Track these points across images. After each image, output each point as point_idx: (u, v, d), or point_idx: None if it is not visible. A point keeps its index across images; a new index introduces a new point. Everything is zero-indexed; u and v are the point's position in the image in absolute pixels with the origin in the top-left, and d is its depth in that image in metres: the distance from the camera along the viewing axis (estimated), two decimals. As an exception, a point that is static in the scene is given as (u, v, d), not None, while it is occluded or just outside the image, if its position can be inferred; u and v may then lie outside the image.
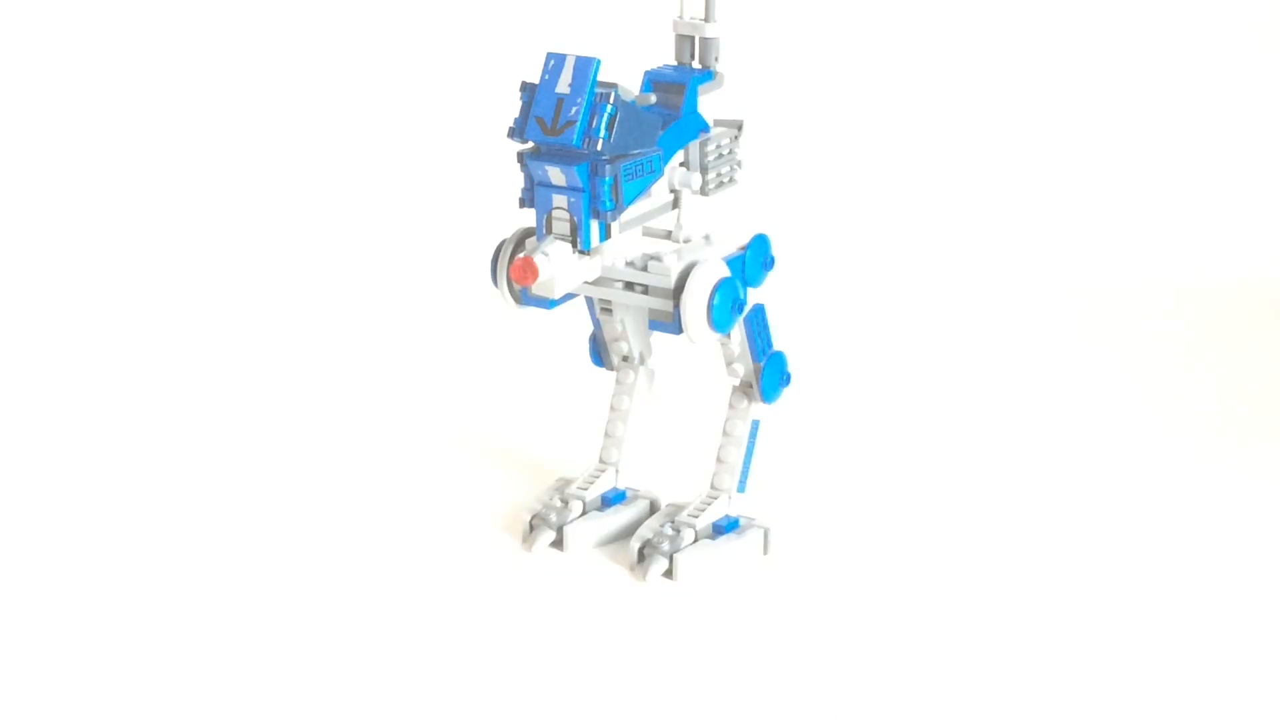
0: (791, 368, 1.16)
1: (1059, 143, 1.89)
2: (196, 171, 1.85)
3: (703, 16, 1.08)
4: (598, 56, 0.97)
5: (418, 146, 1.87)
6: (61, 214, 1.79)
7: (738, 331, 1.11)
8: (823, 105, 1.89)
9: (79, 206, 1.80)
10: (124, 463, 1.29)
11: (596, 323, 1.16)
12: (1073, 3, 1.90)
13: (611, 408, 1.19)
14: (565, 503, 1.17)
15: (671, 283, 1.05)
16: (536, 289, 1.02)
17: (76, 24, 1.86)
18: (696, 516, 1.14)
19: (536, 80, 0.98)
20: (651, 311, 1.08)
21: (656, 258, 1.06)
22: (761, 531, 1.15)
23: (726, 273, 1.06)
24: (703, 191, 1.09)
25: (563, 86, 0.97)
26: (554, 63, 0.98)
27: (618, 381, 1.19)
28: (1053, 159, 1.88)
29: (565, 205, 1.00)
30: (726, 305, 1.06)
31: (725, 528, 1.15)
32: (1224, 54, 1.89)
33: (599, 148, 0.97)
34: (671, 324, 1.06)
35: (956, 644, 1.04)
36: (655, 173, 1.03)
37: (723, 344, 1.12)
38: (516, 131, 0.99)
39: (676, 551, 1.12)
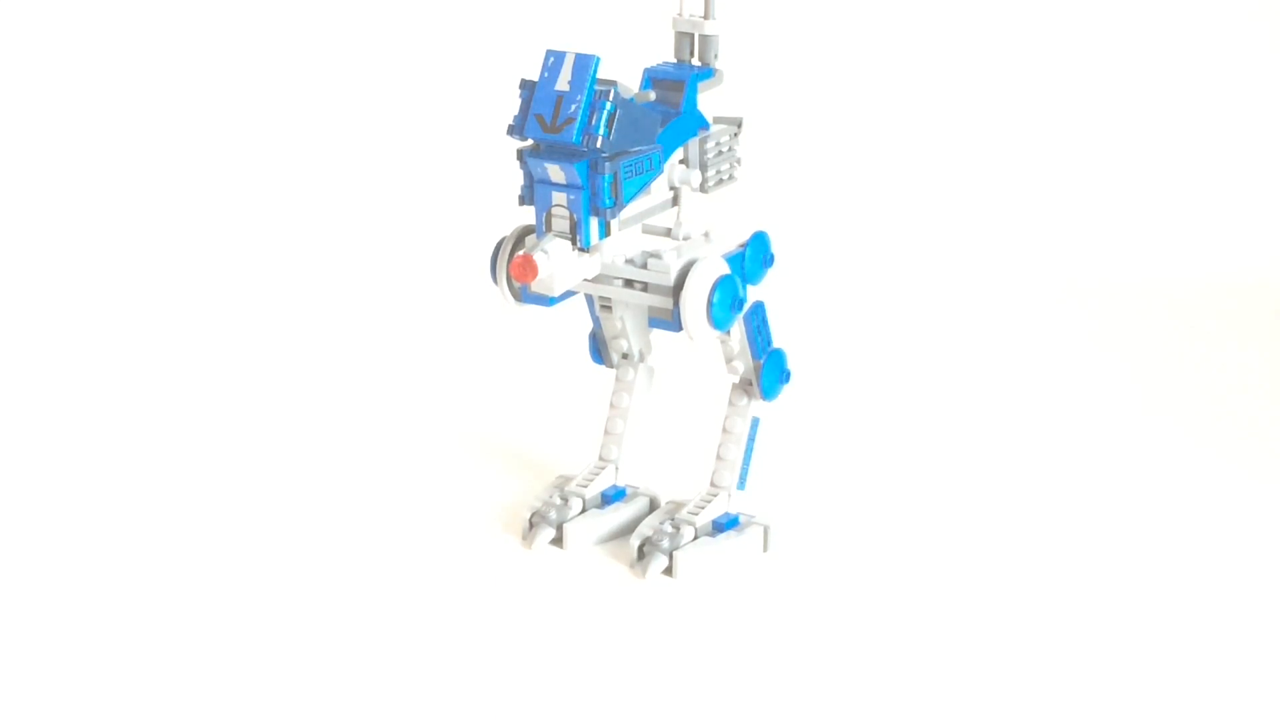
0: (791, 365, 1.16)
1: (1060, 140, 1.89)
2: (197, 172, 1.85)
3: (702, 14, 1.08)
4: (597, 54, 0.97)
5: (418, 145, 1.87)
6: (62, 215, 1.79)
7: (737, 329, 1.11)
8: (823, 103, 1.89)
9: (80, 207, 1.80)
10: (125, 462, 1.29)
11: (596, 320, 1.16)
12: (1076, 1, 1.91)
13: (611, 405, 1.19)
14: (565, 500, 1.17)
15: (671, 280, 1.05)
16: (536, 286, 1.02)
17: (76, 24, 1.86)
18: (696, 514, 1.14)
19: (536, 78, 0.98)
20: (651, 309, 1.08)
21: (656, 255, 1.06)
22: (761, 529, 1.15)
23: (726, 270, 1.06)
24: (702, 189, 1.09)
25: (562, 84, 0.97)
26: (553, 60, 0.98)
27: (617, 379, 1.19)
28: (1054, 156, 1.88)
29: (565, 203, 1.00)
30: (726, 303, 1.06)
31: (725, 525, 1.15)
32: (1229, 50, 1.89)
33: (598, 145, 0.97)
34: (671, 321, 1.06)
35: (956, 642, 1.04)
36: (655, 170, 1.03)
37: (722, 341, 1.12)
38: (516, 129, 0.99)
39: (676, 549, 1.12)
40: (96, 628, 1.05)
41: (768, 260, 1.12)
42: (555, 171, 0.99)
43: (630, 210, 1.04)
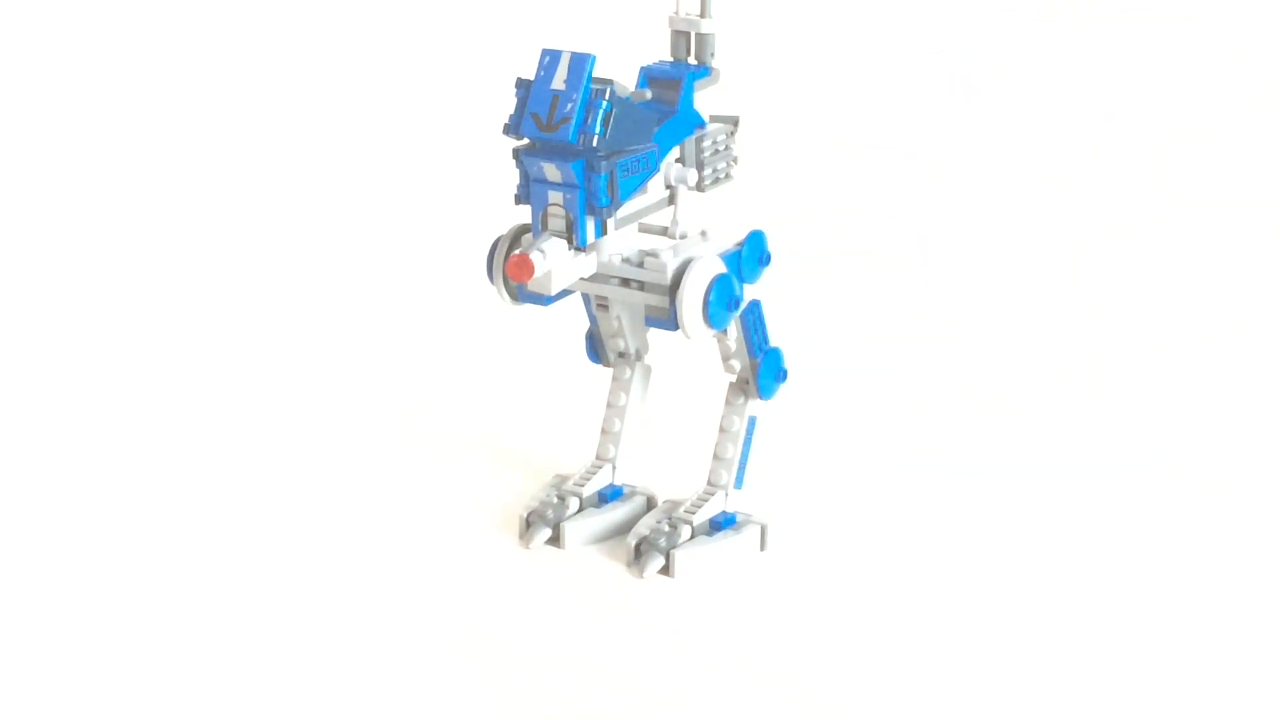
0: (788, 364, 1.16)
1: (1061, 136, 1.89)
2: (196, 171, 1.85)
3: (698, 12, 1.08)
4: (592, 53, 0.97)
5: (415, 144, 1.87)
6: (61, 214, 1.79)
7: (734, 328, 1.11)
8: (819, 101, 1.89)
9: (79, 206, 1.80)
10: (122, 462, 1.29)
11: (593, 319, 1.16)
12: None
13: (608, 404, 1.19)
14: (562, 499, 1.17)
15: (667, 279, 1.05)
16: (532, 286, 1.02)
17: (77, 24, 1.86)
18: (693, 513, 1.14)
19: (532, 76, 0.98)
20: (648, 308, 1.08)
21: (652, 254, 1.06)
22: (758, 528, 1.15)
23: (722, 269, 1.06)
24: (699, 187, 1.09)
25: (558, 83, 0.97)
26: (549, 59, 0.98)
27: (614, 378, 1.19)
28: (1055, 153, 1.88)
29: (561, 202, 1.00)
30: (722, 302, 1.06)
31: (722, 524, 1.15)
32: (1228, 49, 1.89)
33: (594, 144, 0.97)
34: (668, 320, 1.06)
35: (953, 641, 1.04)
36: (651, 169, 1.03)
37: (719, 340, 1.12)
38: (512, 128, 0.99)
39: (673, 548, 1.12)
40: (91, 628, 1.05)
41: (764, 259, 1.12)
42: (551, 170, 0.99)
43: (626, 209, 1.04)
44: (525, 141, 1.00)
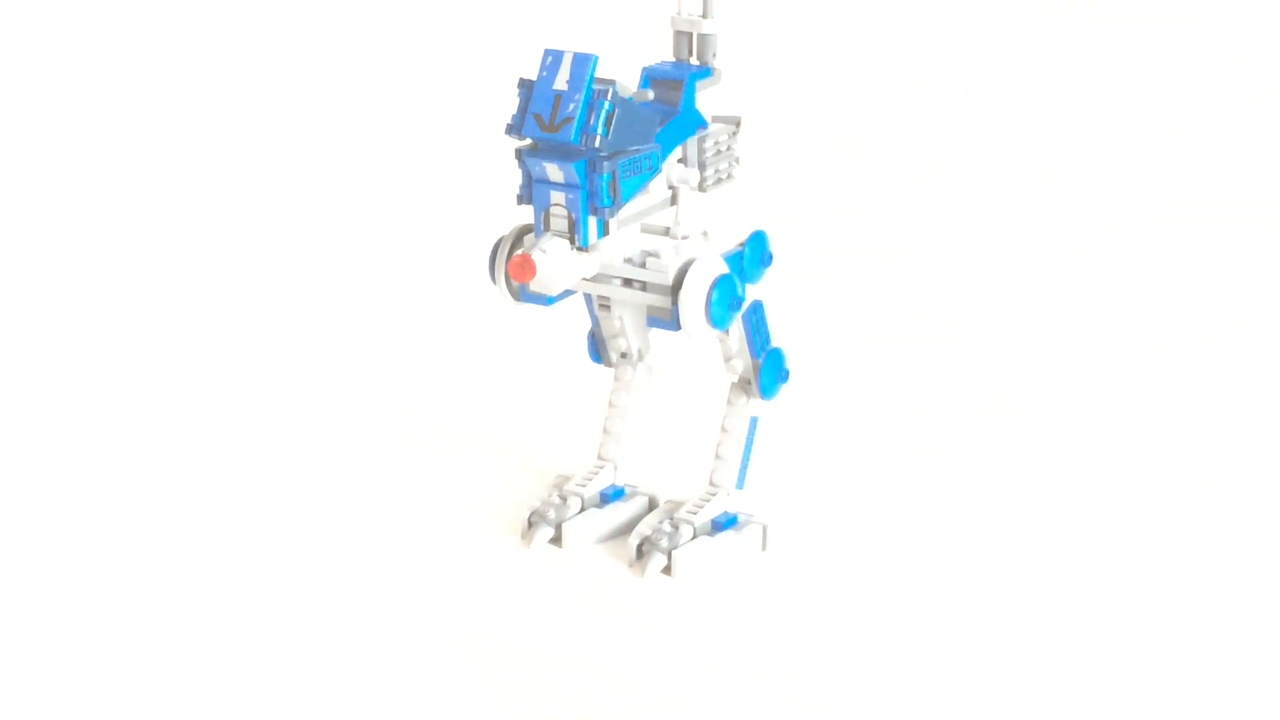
0: (790, 365, 1.16)
1: (1059, 135, 1.89)
2: (196, 171, 1.85)
3: (700, 13, 1.08)
4: (595, 53, 0.97)
5: (417, 144, 1.87)
6: (61, 214, 1.79)
7: (736, 328, 1.11)
8: (821, 101, 1.89)
9: (79, 206, 1.80)
10: (123, 463, 1.29)
11: (595, 319, 1.16)
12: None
13: (610, 404, 1.19)
14: (564, 499, 1.17)
15: (669, 279, 1.05)
16: (534, 286, 1.02)
17: (77, 24, 1.86)
18: (695, 513, 1.14)
19: (534, 77, 0.98)
20: (650, 308, 1.08)
21: (655, 254, 1.06)
22: (760, 528, 1.15)
23: (725, 269, 1.06)
24: (701, 188, 1.09)
25: (560, 83, 0.97)
26: (551, 59, 0.98)
27: (616, 378, 1.19)
28: (1053, 152, 1.88)
29: (563, 202, 1.00)
30: (724, 302, 1.06)
31: (724, 524, 1.15)
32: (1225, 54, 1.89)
33: (597, 144, 0.97)
34: (670, 320, 1.06)
35: (953, 640, 1.04)
36: (653, 169, 1.03)
37: (721, 340, 1.12)
38: (514, 128, 0.99)
39: (675, 548, 1.12)
40: (92, 630, 1.05)
41: (766, 259, 1.12)
42: (554, 170, 0.99)
43: (629, 209, 1.04)
44: (527, 142, 1.00)
